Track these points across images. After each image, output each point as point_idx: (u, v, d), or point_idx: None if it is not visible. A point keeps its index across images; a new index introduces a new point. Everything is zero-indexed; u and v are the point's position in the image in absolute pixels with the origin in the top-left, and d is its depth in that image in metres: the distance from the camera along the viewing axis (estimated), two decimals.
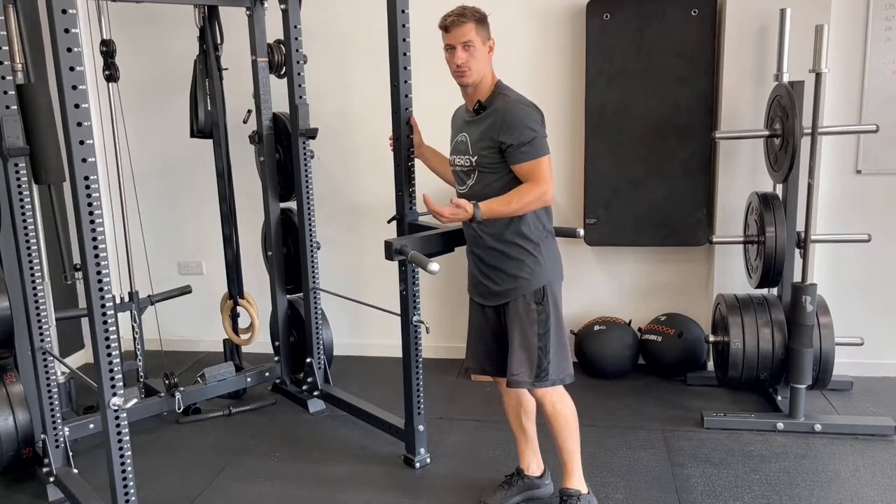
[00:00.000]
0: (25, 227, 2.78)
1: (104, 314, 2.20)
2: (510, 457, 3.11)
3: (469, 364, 2.76)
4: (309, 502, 2.87)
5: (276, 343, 3.84)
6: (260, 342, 3.90)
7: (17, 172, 2.73)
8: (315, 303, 3.68)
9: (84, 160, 2.08)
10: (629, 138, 3.77)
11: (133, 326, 3.59)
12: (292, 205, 3.71)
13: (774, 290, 3.55)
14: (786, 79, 3.36)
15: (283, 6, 3.36)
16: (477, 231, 2.52)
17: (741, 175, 3.73)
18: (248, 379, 3.75)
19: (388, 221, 2.99)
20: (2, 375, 2.99)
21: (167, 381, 3.47)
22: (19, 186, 2.75)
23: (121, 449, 2.31)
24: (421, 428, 3.08)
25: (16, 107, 2.70)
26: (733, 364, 3.42)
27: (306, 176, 3.54)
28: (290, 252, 3.79)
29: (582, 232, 2.88)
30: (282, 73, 3.53)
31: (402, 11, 2.75)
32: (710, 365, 3.82)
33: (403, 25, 2.76)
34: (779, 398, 3.46)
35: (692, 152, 3.73)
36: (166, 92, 4.19)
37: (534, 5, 3.86)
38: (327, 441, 3.35)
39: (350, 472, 3.08)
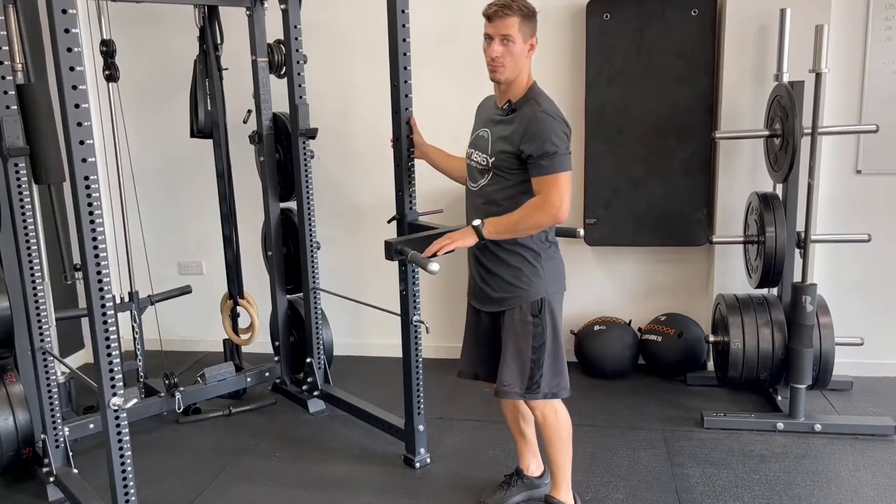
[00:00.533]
0: (25, 227, 2.78)
1: (104, 314, 2.20)
2: (510, 457, 3.11)
3: (462, 368, 2.72)
4: (309, 502, 2.87)
5: (276, 343, 3.84)
6: (260, 342, 3.90)
7: (17, 172, 2.73)
8: (315, 303, 3.68)
9: (84, 160, 2.08)
10: (629, 138, 3.77)
11: (133, 326, 3.59)
12: (292, 205, 3.71)
13: (774, 290, 3.55)
14: (786, 79, 3.36)
15: (283, 6, 3.36)
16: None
17: (741, 175, 3.73)
18: (248, 379, 3.75)
19: (388, 221, 2.99)
20: (2, 375, 2.99)
21: (167, 381, 3.47)
22: (19, 186, 2.75)
23: (121, 449, 2.31)
24: (421, 428, 3.08)
25: (16, 107, 2.70)
26: (733, 364, 3.42)
27: (306, 176, 3.54)
28: (290, 252, 3.79)
29: (582, 232, 2.87)
30: (282, 73, 3.53)
31: (402, 11, 2.75)
32: (710, 365, 3.82)
33: (403, 25, 2.76)
34: (779, 398, 3.46)
35: (692, 152, 3.73)
36: (166, 92, 4.19)
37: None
38: (327, 441, 3.35)
39: (350, 472, 3.08)
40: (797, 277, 3.34)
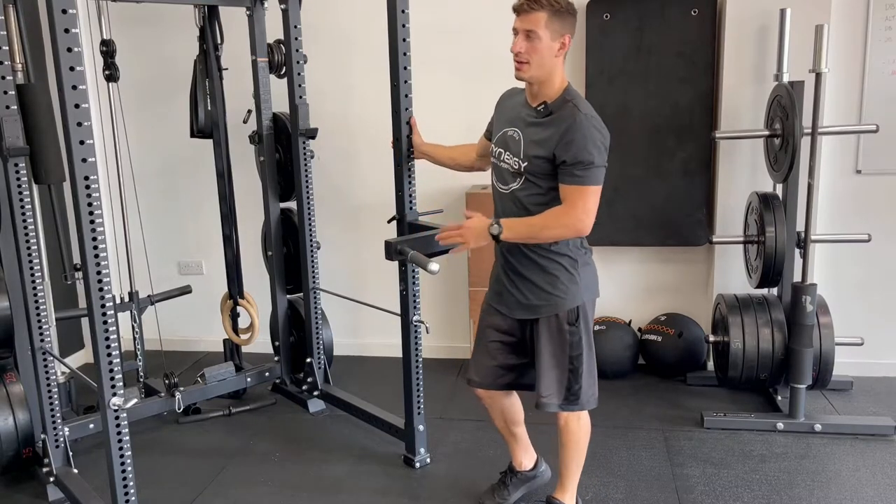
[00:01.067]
0: (25, 227, 2.78)
1: (104, 314, 2.20)
2: (510, 456, 3.11)
3: (472, 377, 2.61)
4: (309, 502, 2.87)
5: (276, 343, 3.84)
6: (260, 342, 3.90)
7: (17, 172, 2.73)
8: (315, 303, 3.68)
9: (84, 160, 2.09)
10: (629, 138, 3.76)
11: (133, 326, 3.59)
12: (292, 205, 3.71)
13: (774, 290, 3.55)
14: (786, 79, 3.36)
15: (283, 6, 3.36)
16: (514, 243, 2.35)
17: (741, 175, 3.73)
18: (248, 379, 3.75)
19: (389, 221, 2.98)
20: (2, 375, 2.99)
21: (167, 381, 3.47)
22: (19, 186, 2.74)
23: (121, 449, 2.31)
24: (421, 428, 3.08)
25: (16, 107, 2.70)
26: (733, 364, 3.42)
27: (306, 176, 3.54)
28: (290, 252, 3.79)
29: None
30: (282, 73, 3.53)
31: (403, 11, 2.74)
32: (710, 365, 3.82)
33: (403, 25, 2.76)
34: (779, 398, 3.46)
35: (692, 152, 3.73)
36: (166, 92, 4.19)
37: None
38: (327, 441, 3.35)
39: (350, 472, 3.08)
40: (797, 277, 3.34)
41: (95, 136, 2.37)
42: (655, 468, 3.02)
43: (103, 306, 2.19)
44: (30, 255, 2.81)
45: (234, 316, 3.83)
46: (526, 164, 2.28)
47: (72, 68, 2.02)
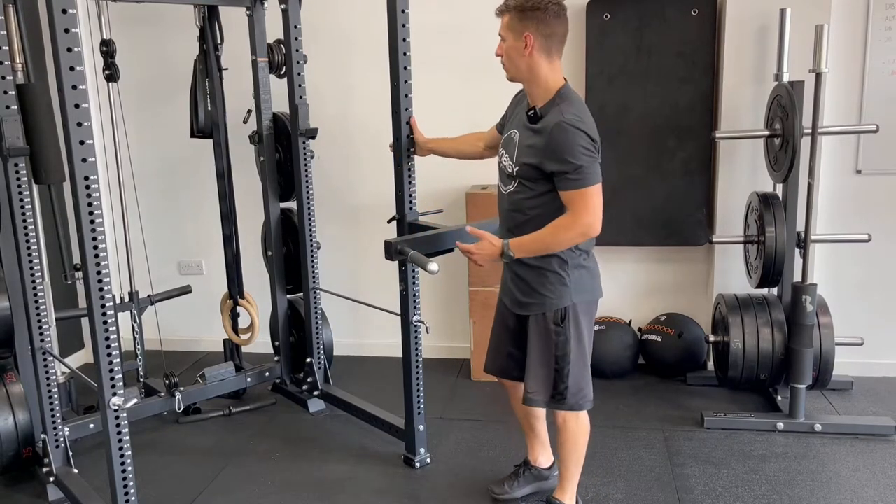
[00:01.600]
0: (25, 227, 2.78)
1: (104, 314, 2.20)
2: (510, 456, 3.11)
3: (488, 364, 2.69)
4: (309, 502, 2.87)
5: (276, 343, 3.84)
6: (260, 342, 3.90)
7: (17, 172, 2.73)
8: (315, 303, 3.68)
9: (84, 160, 2.09)
10: (629, 138, 3.77)
11: (133, 326, 3.59)
12: (292, 205, 3.71)
13: (774, 290, 3.55)
14: (786, 79, 3.36)
15: (283, 6, 3.36)
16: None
17: (741, 175, 3.73)
18: (248, 379, 3.75)
19: (389, 221, 2.99)
20: (2, 375, 2.99)
21: (167, 381, 3.47)
22: (19, 186, 2.75)
23: (121, 449, 2.31)
24: (421, 428, 3.08)
25: (16, 107, 2.70)
26: (733, 364, 3.42)
27: (306, 176, 3.54)
28: (290, 252, 3.79)
29: None
30: (282, 73, 3.53)
31: (402, 11, 2.75)
32: (710, 365, 3.82)
33: (403, 25, 2.76)
34: (779, 398, 3.46)
35: (692, 152, 3.73)
36: (166, 92, 4.19)
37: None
38: (327, 441, 3.35)
39: (350, 472, 3.08)
40: (797, 277, 3.34)
41: (95, 136, 2.37)
42: (655, 468, 3.02)
43: (103, 306, 2.19)
44: (30, 255, 2.81)
45: (234, 316, 3.83)
46: (517, 168, 2.33)
47: (72, 68, 2.02)
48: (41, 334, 2.88)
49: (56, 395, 2.94)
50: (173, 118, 4.07)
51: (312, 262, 3.64)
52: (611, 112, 3.77)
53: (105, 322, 2.20)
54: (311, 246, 3.62)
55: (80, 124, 2.06)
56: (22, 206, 2.76)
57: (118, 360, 2.24)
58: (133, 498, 2.37)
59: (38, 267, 2.85)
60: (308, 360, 3.69)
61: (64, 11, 1.99)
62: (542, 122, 2.26)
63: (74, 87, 2.03)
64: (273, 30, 3.49)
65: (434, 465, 3.10)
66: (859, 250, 3.67)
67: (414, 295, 2.94)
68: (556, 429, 2.55)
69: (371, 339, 4.32)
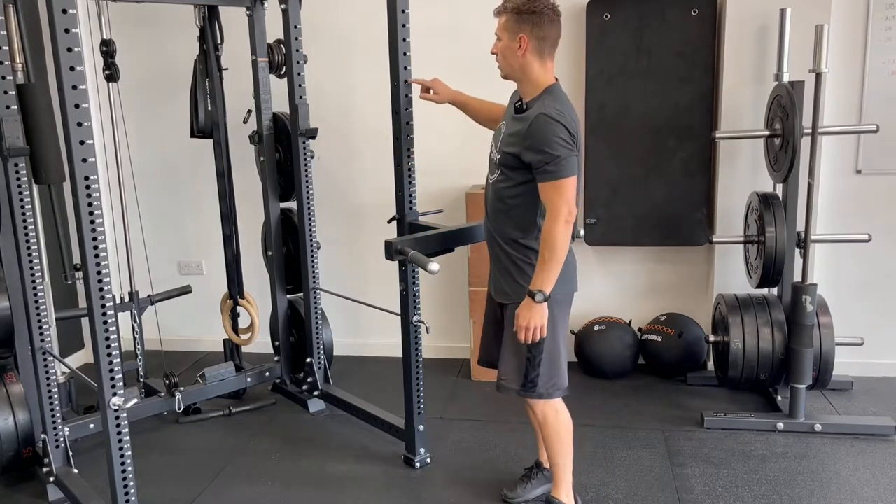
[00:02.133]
0: (25, 227, 2.78)
1: (104, 314, 2.20)
2: (510, 456, 3.12)
3: (480, 356, 2.77)
4: (309, 502, 2.87)
5: (276, 343, 3.84)
6: (260, 342, 3.90)
7: (17, 172, 2.73)
8: (315, 303, 3.68)
9: (84, 160, 2.09)
10: (629, 138, 3.77)
11: (133, 326, 3.59)
12: (292, 205, 3.71)
13: (774, 290, 3.55)
14: (786, 79, 3.36)
15: (283, 6, 3.36)
16: (492, 232, 2.50)
17: (741, 175, 3.73)
18: (248, 379, 3.75)
19: (389, 221, 2.99)
20: (2, 375, 2.99)
21: (167, 381, 3.47)
22: (19, 186, 2.74)
23: (121, 449, 2.31)
24: (421, 428, 3.08)
25: (16, 107, 2.70)
26: (733, 364, 3.42)
27: (306, 176, 3.54)
28: (290, 252, 3.79)
29: (582, 232, 2.88)
30: (282, 73, 3.53)
31: (403, 11, 2.75)
32: (710, 365, 3.82)
33: (404, 25, 2.76)
34: (779, 398, 3.46)
35: (692, 152, 3.73)
36: (166, 92, 4.19)
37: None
38: (327, 441, 3.35)
39: (350, 472, 3.08)
40: (797, 277, 3.34)
41: (95, 136, 2.37)
42: (655, 468, 3.02)
43: (103, 306, 2.19)
44: (30, 255, 2.81)
45: (234, 316, 3.83)
46: (500, 156, 2.43)
47: (72, 68, 2.02)
48: (41, 334, 2.87)
49: (56, 395, 2.94)
50: (173, 118, 4.07)
51: (312, 262, 3.64)
52: (611, 112, 3.77)
53: (105, 322, 2.20)
54: (311, 246, 3.62)
55: (80, 124, 2.06)
56: (22, 206, 2.76)
57: (118, 360, 2.24)
58: (133, 498, 2.37)
59: (38, 267, 2.85)
60: (308, 360, 3.69)
61: (64, 11, 1.99)
62: (526, 112, 2.36)
63: (74, 87, 2.03)
64: (273, 30, 3.49)
65: (434, 465, 3.10)
66: (859, 250, 3.67)
67: (414, 295, 2.94)
68: (538, 425, 2.59)
69: (371, 339, 4.32)
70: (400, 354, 3.05)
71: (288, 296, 3.81)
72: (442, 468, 3.08)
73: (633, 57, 3.70)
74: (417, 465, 3.07)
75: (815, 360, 3.33)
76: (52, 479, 2.90)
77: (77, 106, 2.05)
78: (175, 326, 4.35)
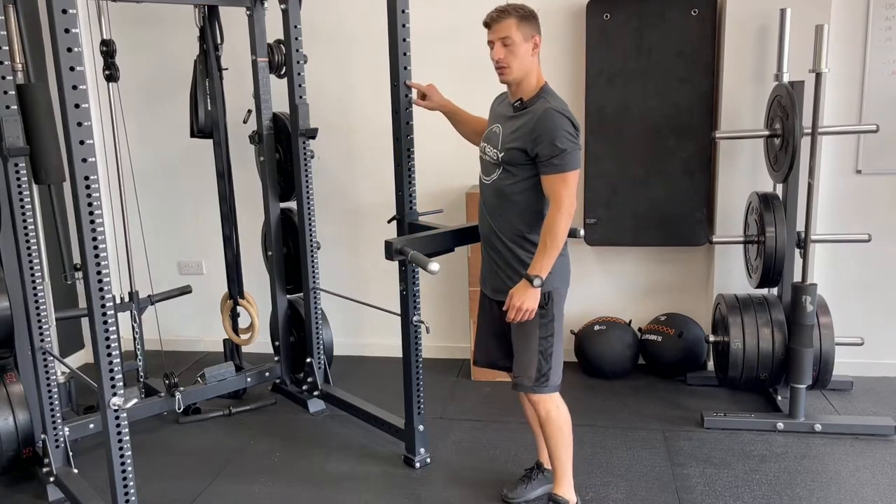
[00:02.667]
0: (25, 227, 2.78)
1: (104, 314, 2.20)
2: (510, 456, 3.12)
3: (478, 357, 2.76)
4: (309, 502, 2.87)
5: (276, 343, 3.84)
6: (260, 342, 3.90)
7: (17, 172, 2.73)
8: (315, 303, 3.68)
9: (84, 160, 2.09)
10: (629, 138, 3.77)
11: (133, 326, 3.59)
12: (292, 205, 3.71)
13: (774, 290, 3.55)
14: (786, 79, 3.36)
15: (283, 6, 3.36)
16: (493, 228, 2.51)
17: (741, 175, 3.73)
18: (248, 379, 3.75)
19: (389, 221, 2.99)
20: (2, 375, 2.99)
21: (167, 381, 3.47)
22: (19, 186, 2.75)
23: (121, 449, 2.31)
24: (421, 428, 3.08)
25: (16, 107, 2.70)
26: (733, 364, 3.42)
27: (306, 176, 3.54)
28: (290, 252, 3.79)
29: (582, 232, 2.87)
30: (282, 73, 3.53)
31: (403, 11, 2.75)
32: (710, 365, 3.82)
33: (403, 25, 2.76)
34: (779, 398, 3.46)
35: (692, 152, 3.73)
36: (166, 92, 4.19)
37: (534, 5, 3.81)
38: (327, 441, 3.35)
39: (350, 472, 3.08)
40: (797, 277, 3.34)
41: (95, 136, 2.37)
42: (655, 468, 3.02)
43: (103, 306, 2.19)
44: (30, 255, 2.81)
45: (234, 316, 3.83)
46: (503, 154, 2.44)
47: (72, 68, 2.02)
48: (41, 334, 2.88)
49: (56, 395, 2.94)
50: (173, 118, 4.07)
51: (312, 262, 3.63)
52: (611, 112, 3.77)
53: (105, 322, 2.20)
54: (311, 246, 3.62)
55: (80, 124, 2.06)
56: (22, 206, 2.76)
57: (118, 360, 2.24)
58: (133, 498, 2.37)
59: (38, 267, 2.85)
60: (308, 360, 3.69)
61: (64, 11, 1.99)
62: (527, 109, 2.40)
63: (74, 87, 2.03)
64: (273, 30, 3.49)
65: (434, 465, 3.10)
66: (859, 250, 3.67)
67: (414, 295, 2.94)
68: (541, 423, 2.59)
69: (371, 339, 4.32)
70: (400, 354, 3.05)
71: (288, 296, 3.81)
72: (442, 468, 3.08)
73: (633, 57, 3.70)
74: (417, 465, 3.07)
75: (815, 360, 3.33)
76: (52, 479, 2.90)
77: (77, 106, 2.05)
78: (175, 326, 4.35)
